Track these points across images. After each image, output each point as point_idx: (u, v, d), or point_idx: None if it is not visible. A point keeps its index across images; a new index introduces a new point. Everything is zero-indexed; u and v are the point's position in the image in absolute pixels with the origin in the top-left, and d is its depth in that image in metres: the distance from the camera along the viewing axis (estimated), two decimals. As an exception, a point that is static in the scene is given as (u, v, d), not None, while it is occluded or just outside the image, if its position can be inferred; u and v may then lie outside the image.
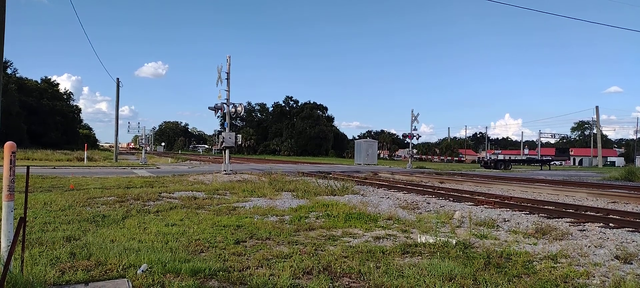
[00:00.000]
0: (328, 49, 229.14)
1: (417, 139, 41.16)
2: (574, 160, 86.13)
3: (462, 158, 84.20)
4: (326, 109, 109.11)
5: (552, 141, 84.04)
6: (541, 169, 49.78)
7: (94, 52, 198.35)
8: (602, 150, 56.04)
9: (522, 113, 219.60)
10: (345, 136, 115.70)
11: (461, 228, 7.93)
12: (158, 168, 27.94)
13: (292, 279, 4.57)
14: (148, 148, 39.24)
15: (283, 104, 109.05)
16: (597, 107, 55.19)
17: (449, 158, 78.92)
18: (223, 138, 21.16)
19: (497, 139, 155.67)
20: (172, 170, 24.51)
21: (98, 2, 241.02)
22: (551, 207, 11.37)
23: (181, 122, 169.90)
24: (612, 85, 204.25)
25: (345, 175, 23.00)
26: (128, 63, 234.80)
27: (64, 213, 8.18)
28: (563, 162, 71.77)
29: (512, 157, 68.78)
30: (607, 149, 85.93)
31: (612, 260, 5.74)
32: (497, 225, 8.44)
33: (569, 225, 8.51)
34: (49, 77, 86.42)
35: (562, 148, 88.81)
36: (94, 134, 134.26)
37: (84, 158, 33.83)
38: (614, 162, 43.95)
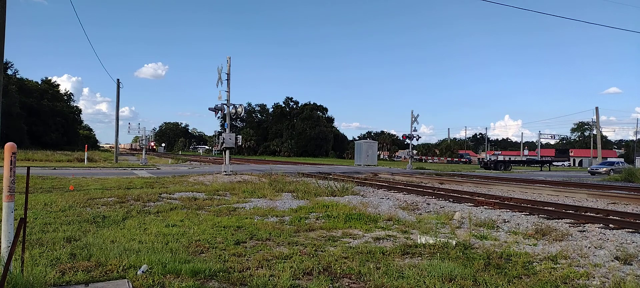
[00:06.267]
0: (328, 49, 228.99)
1: (417, 139, 41.16)
2: (574, 161, 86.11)
3: (466, 159, 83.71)
4: (326, 109, 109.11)
5: (552, 142, 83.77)
6: (541, 170, 49.81)
7: (94, 53, 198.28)
8: (602, 151, 55.98)
9: (521, 114, 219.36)
10: (345, 137, 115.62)
11: (461, 229, 7.93)
12: (158, 169, 27.95)
13: (292, 280, 4.57)
14: (152, 145, 39.27)
15: (283, 105, 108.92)
16: (596, 108, 55.07)
17: (450, 159, 78.80)
18: (223, 139, 21.17)
19: (497, 139, 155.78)
20: (172, 171, 24.51)
21: (98, 3, 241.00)
22: (551, 208, 11.38)
23: (181, 123, 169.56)
24: (611, 86, 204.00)
25: (345, 176, 23.00)
26: (128, 64, 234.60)
27: (64, 214, 8.19)
28: (565, 162, 71.83)
29: (512, 158, 68.81)
30: (607, 150, 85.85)
31: (612, 261, 5.74)
32: (497, 226, 8.44)
33: (569, 226, 8.52)
34: (50, 78, 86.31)
35: (562, 149, 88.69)
36: (94, 134, 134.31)
37: (84, 159, 33.84)
38: (623, 162, 44.06)
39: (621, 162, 43.02)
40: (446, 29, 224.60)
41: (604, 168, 37.53)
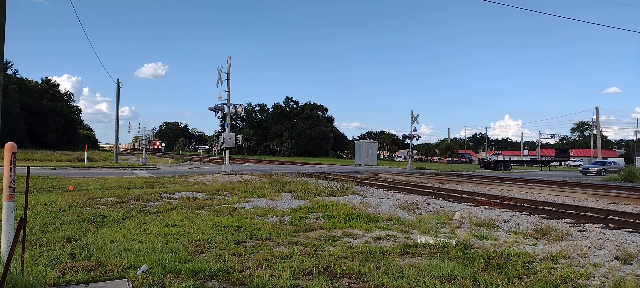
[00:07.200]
0: (328, 49, 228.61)
1: (417, 139, 41.15)
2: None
3: (467, 159, 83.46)
4: (326, 109, 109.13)
5: (552, 142, 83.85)
6: (541, 170, 49.81)
7: (94, 53, 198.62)
8: (602, 151, 56.01)
9: (521, 114, 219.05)
10: (345, 137, 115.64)
11: (461, 229, 7.93)
12: (158, 169, 27.95)
13: (292, 280, 4.57)
14: (157, 145, 39.35)
15: (283, 105, 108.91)
16: (596, 108, 55.11)
17: (450, 159, 78.71)
18: (223, 138, 21.17)
19: (497, 139, 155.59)
20: (173, 171, 24.51)
21: (98, 3, 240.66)
22: (551, 208, 11.38)
23: (181, 123, 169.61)
24: (611, 86, 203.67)
25: (345, 175, 23.00)
26: (128, 64, 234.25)
27: (64, 214, 8.19)
28: (565, 162, 71.86)
29: (512, 158, 68.75)
30: (607, 150, 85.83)
31: (612, 260, 5.74)
32: (497, 226, 8.45)
33: (569, 226, 8.52)
34: (49, 78, 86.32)
35: (562, 149, 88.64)
36: (94, 134, 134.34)
37: (84, 159, 33.84)
38: (616, 162, 43.83)
39: (613, 162, 43.11)
40: (446, 29, 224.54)
41: (596, 168, 37.56)
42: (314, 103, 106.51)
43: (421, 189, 16.08)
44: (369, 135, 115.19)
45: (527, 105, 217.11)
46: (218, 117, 22.81)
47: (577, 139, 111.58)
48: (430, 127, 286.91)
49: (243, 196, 12.42)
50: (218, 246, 6.00)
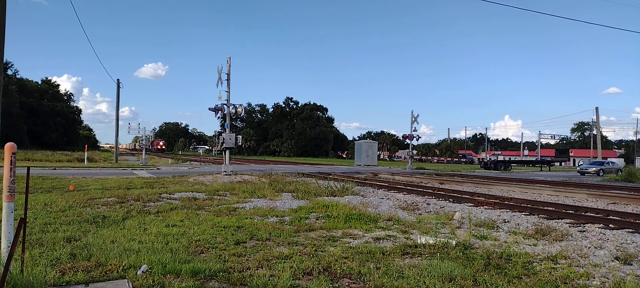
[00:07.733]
0: (328, 49, 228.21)
1: (417, 140, 41.15)
2: (574, 161, 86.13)
3: (468, 159, 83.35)
4: (326, 110, 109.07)
5: (552, 142, 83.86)
6: (541, 170, 49.82)
7: (94, 53, 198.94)
8: (602, 151, 56.02)
9: (521, 114, 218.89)
10: (345, 137, 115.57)
11: (461, 229, 7.93)
12: (158, 169, 27.95)
13: (292, 280, 4.57)
14: (161, 145, 39.36)
15: (283, 105, 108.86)
16: (596, 108, 55.16)
17: (450, 159, 78.69)
18: (223, 139, 21.17)
19: (497, 139, 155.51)
20: (173, 171, 24.52)
21: (98, 3, 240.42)
22: (551, 208, 11.38)
23: (181, 123, 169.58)
24: (611, 86, 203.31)
25: (345, 176, 23.01)
26: (128, 64, 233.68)
27: (64, 214, 8.19)
28: (563, 163, 71.84)
29: (512, 158, 68.79)
30: (607, 150, 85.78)
31: (612, 261, 5.75)
32: (497, 226, 8.45)
33: (569, 226, 8.52)
34: (49, 78, 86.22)
35: (562, 149, 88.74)
36: (95, 134, 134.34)
37: (84, 159, 33.84)
38: (614, 162, 43.94)
39: (611, 162, 43.10)
40: (446, 29, 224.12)
41: (593, 168, 37.51)
42: (314, 103, 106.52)
43: (421, 189, 16.08)
44: (369, 135, 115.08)
45: (527, 105, 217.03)
46: (218, 117, 22.91)
47: (577, 139, 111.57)
48: (430, 127, 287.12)
49: (243, 196, 12.43)
50: (218, 246, 6.00)
